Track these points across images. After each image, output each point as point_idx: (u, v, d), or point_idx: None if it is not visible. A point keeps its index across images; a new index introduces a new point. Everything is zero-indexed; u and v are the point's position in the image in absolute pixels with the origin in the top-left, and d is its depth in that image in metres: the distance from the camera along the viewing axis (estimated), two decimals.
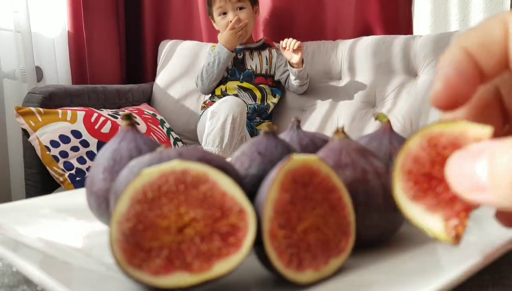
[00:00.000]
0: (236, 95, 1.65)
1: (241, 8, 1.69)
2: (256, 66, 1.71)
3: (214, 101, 1.59)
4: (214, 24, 1.79)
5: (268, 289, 0.33)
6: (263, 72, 1.71)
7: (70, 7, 1.76)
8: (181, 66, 1.90)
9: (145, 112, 1.67)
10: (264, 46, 1.74)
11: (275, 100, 1.71)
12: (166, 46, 1.97)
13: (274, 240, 0.31)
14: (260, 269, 0.35)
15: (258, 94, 1.69)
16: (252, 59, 1.71)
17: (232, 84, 1.68)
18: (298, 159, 0.34)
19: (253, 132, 1.65)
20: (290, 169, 0.33)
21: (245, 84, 1.68)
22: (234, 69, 1.69)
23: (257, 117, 1.68)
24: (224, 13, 1.69)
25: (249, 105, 1.66)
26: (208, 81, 1.67)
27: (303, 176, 0.34)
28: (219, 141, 1.38)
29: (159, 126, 1.65)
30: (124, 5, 2.04)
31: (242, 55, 1.70)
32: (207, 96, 1.76)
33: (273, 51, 1.74)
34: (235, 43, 1.65)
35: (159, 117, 1.71)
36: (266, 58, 1.72)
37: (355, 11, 1.76)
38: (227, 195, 0.32)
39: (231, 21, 1.66)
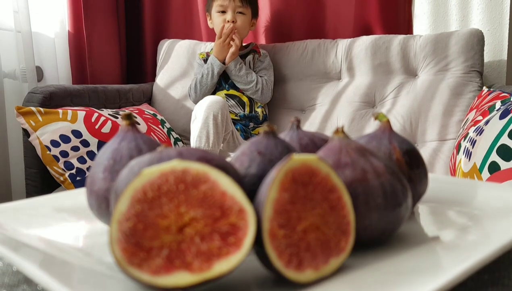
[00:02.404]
0: None
1: (241, 13, 1.68)
2: None
3: None
4: (209, 22, 1.77)
5: (268, 289, 0.33)
6: None
7: (70, 7, 1.76)
8: (180, 65, 1.90)
9: (145, 112, 1.67)
10: (250, 52, 1.73)
11: (259, 110, 1.70)
12: (164, 46, 1.97)
13: (274, 240, 0.31)
14: (260, 269, 0.35)
15: (246, 100, 1.68)
16: None
17: (220, 94, 1.68)
18: (298, 158, 0.34)
19: (248, 137, 1.65)
20: (290, 169, 0.33)
21: (231, 92, 1.68)
22: (220, 79, 1.68)
23: (250, 123, 1.68)
24: (223, 12, 1.69)
25: (238, 114, 1.66)
26: (201, 93, 1.67)
27: (303, 176, 0.34)
28: (205, 141, 1.38)
29: (160, 126, 1.65)
30: (124, 5, 2.04)
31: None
32: None
33: (256, 56, 1.73)
34: (225, 52, 1.64)
35: (159, 117, 1.71)
36: (249, 63, 1.71)
37: (354, 11, 1.76)
38: (227, 194, 0.32)
39: (228, 21, 1.65)
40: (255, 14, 1.75)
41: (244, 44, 1.78)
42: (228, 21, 1.65)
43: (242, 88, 1.67)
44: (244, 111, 1.67)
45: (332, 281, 0.32)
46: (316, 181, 0.34)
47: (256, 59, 1.72)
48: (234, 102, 1.67)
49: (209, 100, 1.42)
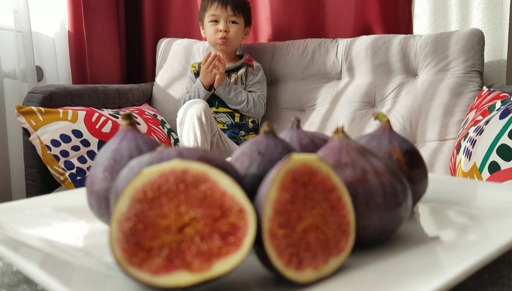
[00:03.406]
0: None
1: (233, 22, 1.67)
2: None
3: None
4: (202, 32, 1.77)
5: (268, 288, 0.33)
6: None
7: (70, 6, 1.75)
8: (179, 64, 1.90)
9: (146, 112, 1.67)
10: (242, 65, 1.72)
11: (250, 119, 1.69)
12: (162, 45, 1.97)
13: (274, 240, 0.31)
14: (260, 269, 0.35)
15: (237, 114, 1.68)
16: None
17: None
18: (298, 158, 0.34)
19: (238, 143, 1.64)
20: (290, 169, 0.33)
21: (221, 109, 1.67)
22: (210, 97, 1.66)
23: (241, 132, 1.67)
24: (216, 21, 1.68)
25: (226, 123, 1.66)
26: None
27: (303, 176, 0.34)
28: (193, 141, 1.39)
29: (160, 127, 1.65)
30: (124, 4, 2.04)
31: None
32: None
33: (249, 69, 1.72)
34: (210, 79, 1.62)
35: (159, 118, 1.71)
36: (242, 77, 1.70)
37: (354, 11, 1.76)
38: (227, 194, 0.32)
39: (220, 31, 1.65)
40: (248, 22, 1.73)
41: (238, 54, 1.78)
42: (221, 31, 1.64)
43: (233, 108, 1.67)
44: (233, 120, 1.66)
45: (332, 281, 0.32)
46: (316, 181, 0.34)
47: (249, 72, 1.70)
48: (223, 114, 1.67)
49: (190, 103, 1.44)
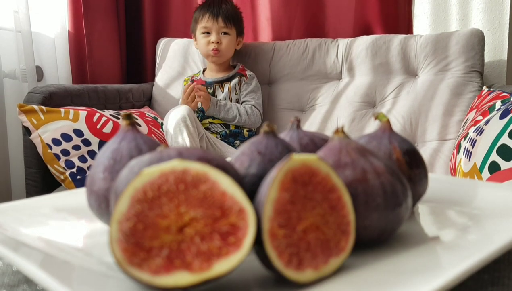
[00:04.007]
0: (207, 128, 1.65)
1: (225, 33, 1.68)
2: (225, 99, 1.68)
3: None
4: (194, 44, 1.78)
5: (268, 288, 0.33)
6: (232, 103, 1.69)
7: (70, 6, 1.75)
8: (178, 64, 1.90)
9: (146, 115, 1.67)
10: (235, 75, 1.72)
11: (245, 128, 1.70)
12: (161, 44, 1.97)
13: (274, 240, 0.31)
14: (260, 269, 0.35)
15: (232, 125, 1.68)
16: (222, 92, 1.70)
17: (205, 122, 1.67)
18: (298, 158, 0.34)
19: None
20: (290, 168, 0.33)
21: (216, 121, 1.67)
22: (202, 108, 1.66)
23: (235, 141, 1.67)
24: (208, 33, 1.69)
25: (220, 133, 1.66)
26: None
27: (303, 176, 0.34)
28: (182, 144, 1.40)
29: (160, 129, 1.65)
30: (124, 4, 2.04)
31: (212, 89, 1.69)
32: None
33: (243, 79, 1.72)
34: (193, 107, 1.61)
35: (160, 121, 1.71)
36: (235, 87, 1.70)
37: (354, 11, 1.76)
38: (227, 194, 0.32)
39: (212, 42, 1.65)
40: (240, 32, 1.74)
41: (231, 65, 1.78)
42: (213, 42, 1.65)
43: (228, 123, 1.67)
44: (227, 130, 1.66)
45: (332, 281, 0.32)
46: (316, 181, 0.34)
47: (242, 82, 1.70)
48: (217, 125, 1.67)
49: (173, 111, 1.46)
